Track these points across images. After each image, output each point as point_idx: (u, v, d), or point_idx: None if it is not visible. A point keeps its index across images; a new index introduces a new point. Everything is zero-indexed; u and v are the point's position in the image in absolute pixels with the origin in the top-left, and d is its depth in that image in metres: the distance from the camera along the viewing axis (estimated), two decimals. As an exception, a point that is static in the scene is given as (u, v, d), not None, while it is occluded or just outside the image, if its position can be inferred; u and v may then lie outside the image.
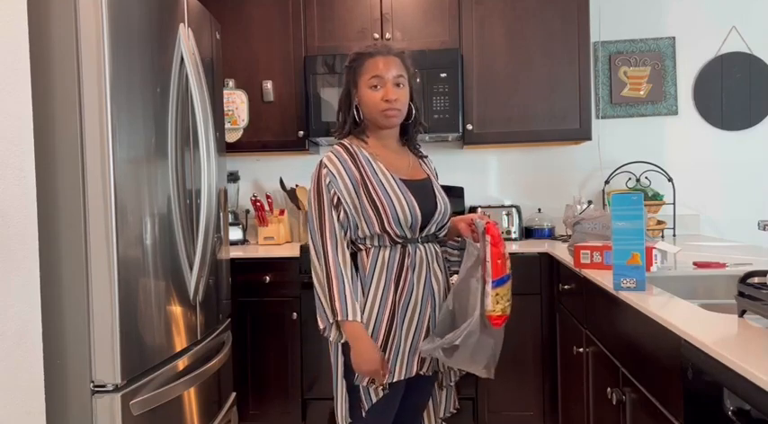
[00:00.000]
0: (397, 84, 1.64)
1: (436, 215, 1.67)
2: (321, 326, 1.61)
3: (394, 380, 1.60)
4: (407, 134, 1.77)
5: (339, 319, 1.54)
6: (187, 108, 1.95)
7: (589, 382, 2.02)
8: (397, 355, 1.60)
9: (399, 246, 1.63)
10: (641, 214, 1.51)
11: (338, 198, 1.60)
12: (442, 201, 1.70)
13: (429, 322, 1.65)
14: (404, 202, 1.60)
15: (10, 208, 1.34)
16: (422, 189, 1.67)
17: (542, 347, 2.72)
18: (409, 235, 1.63)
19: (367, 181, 1.61)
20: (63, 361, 1.53)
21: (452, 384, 1.80)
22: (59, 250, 1.53)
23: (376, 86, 1.63)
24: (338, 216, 1.59)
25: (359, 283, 1.60)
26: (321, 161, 1.64)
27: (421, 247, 1.65)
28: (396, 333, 1.60)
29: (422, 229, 1.65)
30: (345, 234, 1.61)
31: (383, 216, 1.59)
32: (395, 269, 1.62)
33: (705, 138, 3.25)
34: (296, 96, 3.05)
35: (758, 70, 3.18)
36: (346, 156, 1.64)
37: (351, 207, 1.60)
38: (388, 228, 1.59)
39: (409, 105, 1.70)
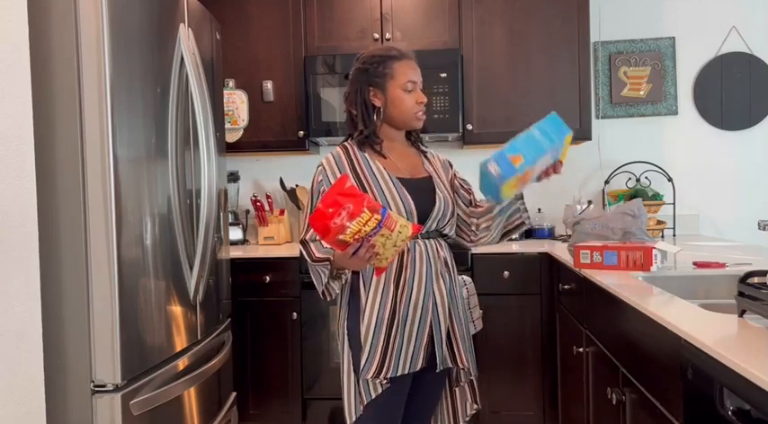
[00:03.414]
0: (422, 88, 1.71)
1: (435, 211, 1.67)
2: (321, 289, 1.63)
3: (397, 374, 1.60)
4: (414, 133, 1.80)
5: (331, 259, 1.56)
6: (187, 108, 1.95)
7: (589, 382, 2.02)
8: (400, 350, 1.60)
9: None
10: (558, 144, 1.48)
11: None
12: (442, 198, 1.69)
13: (432, 315, 1.64)
14: (398, 200, 1.62)
15: (10, 208, 1.34)
16: (421, 187, 1.68)
17: (542, 347, 2.72)
18: None
19: (363, 182, 1.63)
20: (63, 361, 1.53)
21: (463, 382, 1.77)
22: (59, 250, 1.53)
23: (410, 91, 1.68)
24: None
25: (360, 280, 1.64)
26: (320, 162, 1.69)
27: (421, 243, 1.65)
28: (398, 329, 1.60)
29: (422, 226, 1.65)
30: None
31: None
32: (394, 266, 1.62)
33: (705, 138, 3.25)
34: (296, 96, 3.05)
35: (758, 70, 3.18)
36: (344, 159, 1.68)
37: None
38: None
39: None
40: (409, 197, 1.63)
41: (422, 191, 1.67)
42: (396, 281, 1.62)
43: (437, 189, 1.71)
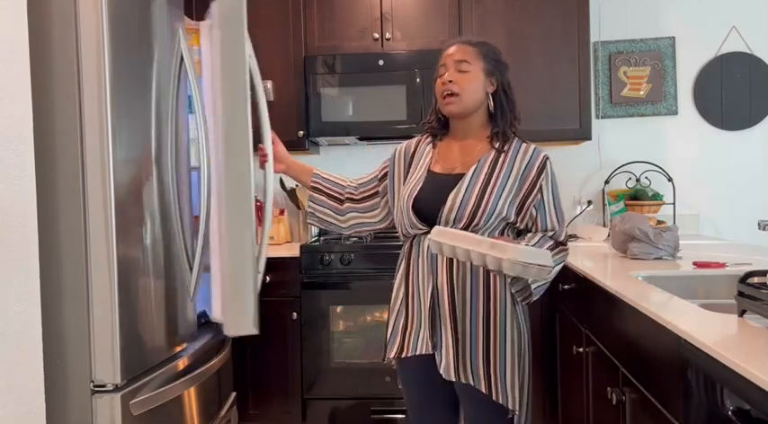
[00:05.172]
0: (460, 70, 1.62)
1: (445, 211, 1.58)
2: None
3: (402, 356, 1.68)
4: (496, 126, 1.70)
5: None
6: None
7: (589, 382, 2.02)
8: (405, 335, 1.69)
9: (409, 239, 1.71)
10: None
11: (387, 173, 1.79)
12: (459, 200, 1.58)
13: (431, 312, 1.61)
14: (407, 193, 1.66)
15: (10, 208, 1.34)
16: (441, 184, 1.62)
17: (542, 347, 2.71)
18: (411, 230, 1.67)
19: (408, 169, 1.74)
20: (63, 361, 1.53)
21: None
22: (59, 250, 1.53)
23: (441, 75, 1.65)
24: (378, 176, 1.81)
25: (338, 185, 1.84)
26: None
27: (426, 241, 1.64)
28: (410, 320, 1.67)
29: (431, 223, 1.60)
30: (363, 187, 1.82)
31: (395, 207, 1.74)
32: (404, 261, 1.71)
33: (705, 138, 3.25)
34: (296, 96, 3.05)
35: (758, 70, 3.18)
36: (413, 144, 1.78)
37: (392, 186, 1.77)
38: (396, 220, 1.72)
39: (494, 97, 1.70)
40: (417, 192, 1.64)
41: (439, 188, 1.61)
42: (405, 277, 1.70)
43: (457, 189, 1.59)
